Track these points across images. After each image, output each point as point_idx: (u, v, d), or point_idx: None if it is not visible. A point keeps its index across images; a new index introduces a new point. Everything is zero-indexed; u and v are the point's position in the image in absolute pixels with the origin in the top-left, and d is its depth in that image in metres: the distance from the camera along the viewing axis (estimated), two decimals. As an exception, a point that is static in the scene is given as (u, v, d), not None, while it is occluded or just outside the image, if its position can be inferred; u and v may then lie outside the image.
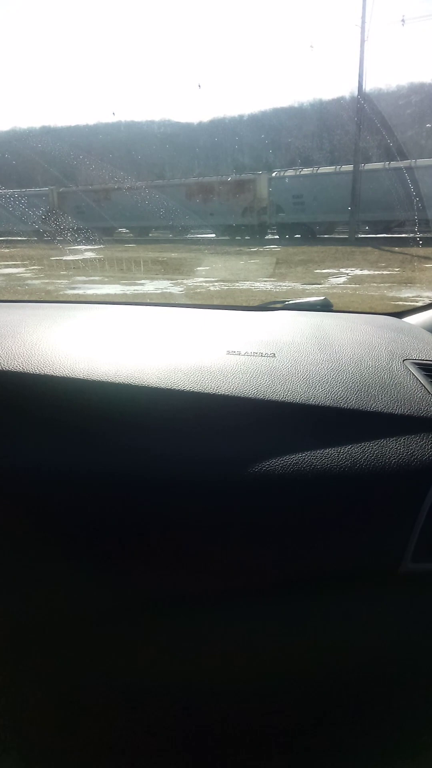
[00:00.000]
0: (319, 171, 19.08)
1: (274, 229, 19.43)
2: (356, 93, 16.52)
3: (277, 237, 18.76)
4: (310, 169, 19.55)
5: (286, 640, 0.73)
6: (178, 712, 0.77)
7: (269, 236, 18.93)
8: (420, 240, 12.35)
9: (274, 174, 19.96)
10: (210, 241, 18.27)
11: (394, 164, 16.06)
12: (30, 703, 0.79)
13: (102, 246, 14.05)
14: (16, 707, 0.80)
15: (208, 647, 0.74)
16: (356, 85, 16.30)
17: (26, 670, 0.78)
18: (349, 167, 18.07)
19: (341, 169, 18.41)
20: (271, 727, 0.77)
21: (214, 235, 19.63)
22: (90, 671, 0.77)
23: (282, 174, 20.00)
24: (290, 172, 20.05)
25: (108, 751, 0.80)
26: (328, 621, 0.72)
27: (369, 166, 16.71)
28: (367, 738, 0.76)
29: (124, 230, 20.82)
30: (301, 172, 19.52)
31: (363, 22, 15.76)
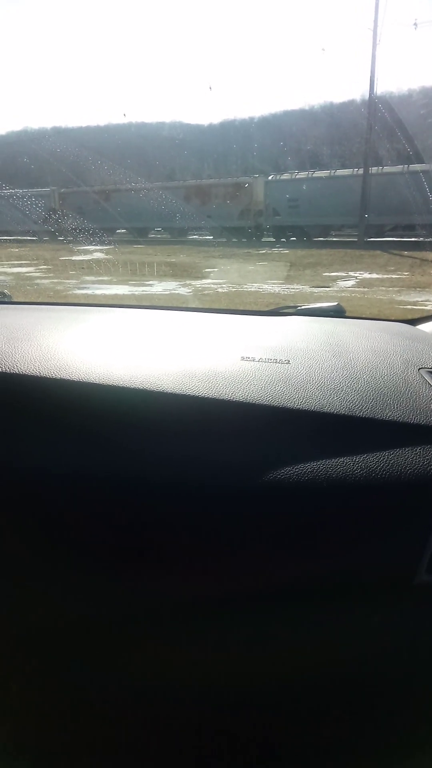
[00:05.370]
0: (314, 175, 19.04)
1: (270, 232, 19.39)
2: (367, 96, 16.48)
3: (273, 240, 18.70)
4: (306, 173, 19.50)
5: (295, 648, 0.73)
6: (180, 713, 0.77)
7: (265, 239, 18.88)
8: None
9: (270, 177, 19.93)
10: (211, 243, 18.26)
11: (388, 169, 16.13)
12: (30, 703, 0.79)
13: (110, 247, 14.10)
14: (17, 708, 0.80)
15: (212, 651, 0.73)
16: (367, 88, 16.25)
17: (27, 672, 0.78)
18: (344, 171, 18.31)
19: (336, 174, 18.50)
20: (274, 732, 0.77)
21: (211, 237, 19.63)
22: (92, 673, 0.76)
23: (278, 177, 19.98)
24: (286, 176, 20.02)
25: (109, 752, 0.80)
26: (340, 630, 0.72)
27: (372, 170, 16.67)
28: (373, 745, 0.76)
29: (123, 231, 20.82)
30: (297, 176, 19.46)
31: (375, 26, 15.73)
